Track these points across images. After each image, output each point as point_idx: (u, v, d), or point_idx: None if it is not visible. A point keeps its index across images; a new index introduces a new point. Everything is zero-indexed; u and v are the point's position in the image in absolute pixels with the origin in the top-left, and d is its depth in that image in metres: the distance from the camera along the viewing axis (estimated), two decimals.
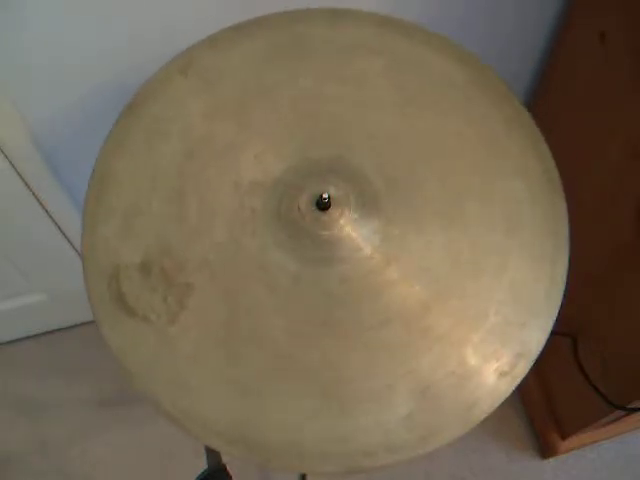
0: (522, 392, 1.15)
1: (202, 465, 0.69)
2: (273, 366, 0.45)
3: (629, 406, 0.84)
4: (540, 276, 0.47)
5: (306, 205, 0.47)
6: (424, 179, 0.50)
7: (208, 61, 0.54)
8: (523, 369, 0.45)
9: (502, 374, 0.45)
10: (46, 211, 0.89)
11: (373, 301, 0.46)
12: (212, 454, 0.70)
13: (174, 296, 0.46)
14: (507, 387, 0.45)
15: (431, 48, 0.55)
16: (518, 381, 0.45)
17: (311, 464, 0.43)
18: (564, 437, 1.07)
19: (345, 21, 0.56)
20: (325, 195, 0.46)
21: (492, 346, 0.46)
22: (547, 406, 1.10)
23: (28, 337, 1.21)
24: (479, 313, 0.46)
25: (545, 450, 1.11)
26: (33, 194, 0.85)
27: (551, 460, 1.11)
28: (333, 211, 0.47)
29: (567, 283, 0.48)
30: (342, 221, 0.47)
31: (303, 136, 0.51)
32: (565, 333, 0.94)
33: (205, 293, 0.46)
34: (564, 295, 0.47)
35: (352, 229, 0.47)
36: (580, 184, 0.82)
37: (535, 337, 0.46)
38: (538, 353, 0.46)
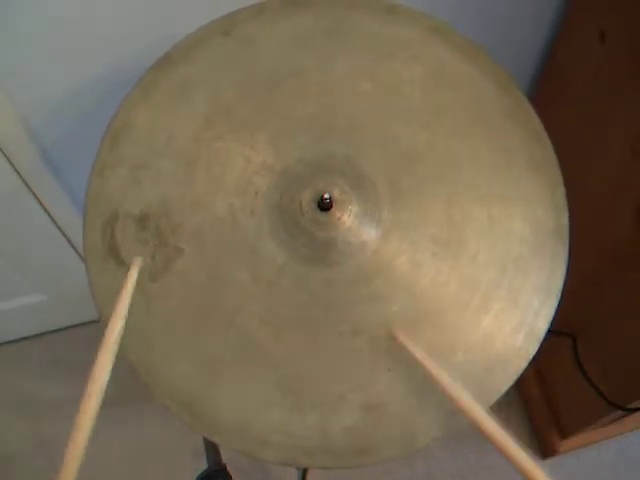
0: (522, 392, 1.15)
1: (202, 465, 0.69)
2: (237, 348, 0.45)
3: (629, 406, 0.84)
4: (519, 327, 0.46)
5: (307, 202, 0.47)
6: (430, 201, 0.49)
7: (250, 29, 0.53)
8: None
9: (454, 413, 0.44)
10: (46, 211, 0.89)
11: (350, 309, 0.46)
12: (212, 454, 0.70)
13: (162, 256, 0.46)
14: (455, 425, 0.44)
15: (476, 68, 0.52)
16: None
17: (253, 447, 0.44)
18: (564, 437, 1.07)
19: (397, 18, 0.53)
20: (327, 196, 0.46)
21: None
22: (547, 406, 1.10)
23: (28, 337, 1.21)
24: (447, 347, 0.45)
25: (545, 450, 1.11)
26: (32, 193, 0.85)
27: (551, 460, 1.11)
28: (332, 213, 0.47)
29: (567, 283, 0.48)
30: (339, 225, 0.47)
31: (322, 128, 0.50)
32: (565, 333, 0.94)
33: (191, 261, 0.47)
34: (564, 295, 0.47)
35: (347, 235, 0.47)
36: (580, 184, 0.82)
37: (499, 383, 0.45)
38: (497, 398, 0.44)
